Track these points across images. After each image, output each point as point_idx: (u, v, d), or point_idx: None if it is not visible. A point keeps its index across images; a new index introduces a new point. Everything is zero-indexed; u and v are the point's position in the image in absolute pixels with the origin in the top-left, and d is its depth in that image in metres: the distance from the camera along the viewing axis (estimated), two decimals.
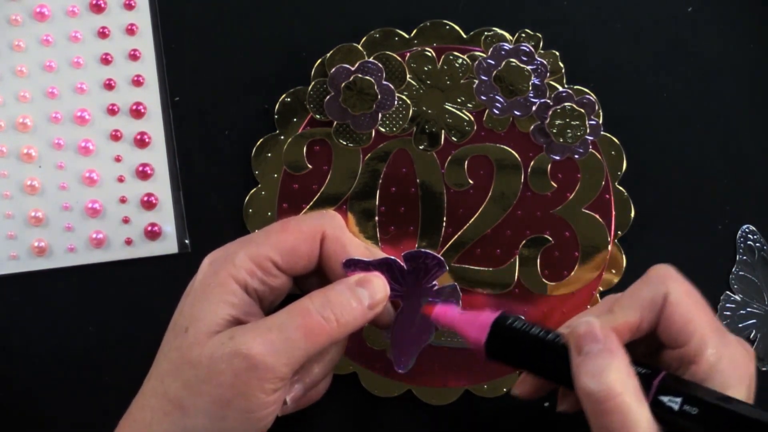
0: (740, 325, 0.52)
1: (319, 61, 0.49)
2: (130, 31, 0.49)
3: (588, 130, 0.50)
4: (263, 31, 0.50)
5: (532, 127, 0.50)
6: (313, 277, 0.44)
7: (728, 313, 0.52)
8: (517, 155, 0.50)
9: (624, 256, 0.51)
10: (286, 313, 0.40)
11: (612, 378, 0.37)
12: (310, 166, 0.50)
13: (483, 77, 0.50)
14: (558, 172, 0.51)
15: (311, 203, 0.50)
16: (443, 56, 0.50)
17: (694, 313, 0.41)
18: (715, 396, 0.38)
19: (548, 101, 0.50)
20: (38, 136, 0.49)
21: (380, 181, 0.50)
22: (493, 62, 0.50)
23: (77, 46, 0.49)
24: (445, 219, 0.51)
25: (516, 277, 0.51)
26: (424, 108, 0.50)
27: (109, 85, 0.49)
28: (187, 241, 0.50)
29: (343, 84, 0.49)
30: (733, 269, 0.52)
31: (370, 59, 0.49)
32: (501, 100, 0.50)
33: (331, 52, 0.49)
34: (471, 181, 0.50)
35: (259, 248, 0.41)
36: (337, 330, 0.40)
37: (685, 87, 0.52)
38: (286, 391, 0.40)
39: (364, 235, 0.50)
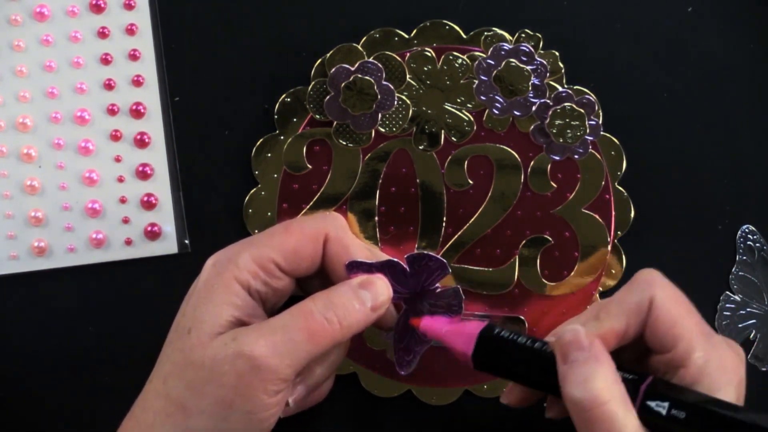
0: (740, 326, 0.52)
1: (319, 61, 0.49)
2: (130, 31, 0.49)
3: (588, 130, 0.50)
4: (263, 31, 0.50)
5: (532, 127, 0.50)
6: (316, 278, 0.44)
7: (728, 313, 0.52)
8: (517, 155, 0.50)
9: (624, 256, 0.51)
10: (289, 314, 0.40)
11: (598, 386, 0.37)
12: (310, 166, 0.50)
13: (483, 77, 0.50)
14: (558, 172, 0.51)
15: (311, 203, 0.50)
16: (443, 56, 0.50)
17: (680, 317, 0.40)
18: (703, 399, 0.38)
19: (548, 101, 0.50)
20: (38, 136, 0.49)
21: (380, 181, 0.50)
22: (493, 62, 0.50)
23: (77, 46, 0.49)
24: (445, 219, 0.51)
25: (516, 277, 0.51)
26: (424, 108, 0.50)
27: (109, 85, 0.49)
28: (187, 242, 0.50)
29: (343, 84, 0.49)
30: (733, 269, 0.52)
31: (370, 59, 0.49)
32: (501, 100, 0.50)
33: (331, 52, 0.49)
34: (471, 181, 0.50)
35: (262, 250, 0.41)
36: (339, 332, 0.40)
37: (685, 87, 0.52)
38: (289, 392, 0.40)
39: (364, 235, 0.50)
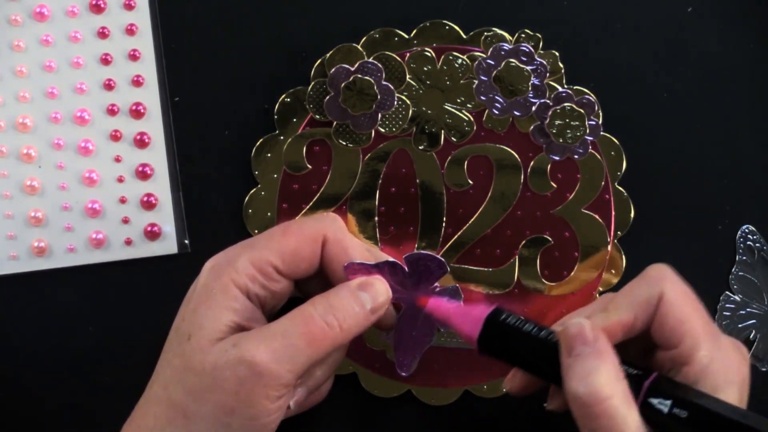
0: (740, 326, 0.52)
1: (318, 61, 0.49)
2: (130, 31, 0.49)
3: (588, 131, 0.50)
4: (263, 31, 0.50)
5: (532, 127, 0.50)
6: (314, 280, 0.44)
7: (728, 313, 0.52)
8: (516, 155, 0.50)
9: (624, 257, 0.51)
10: (289, 319, 0.40)
11: (600, 381, 0.37)
12: (309, 166, 0.50)
13: (483, 77, 0.50)
14: (558, 173, 0.51)
15: (311, 203, 0.50)
16: (443, 56, 0.50)
17: (688, 315, 0.41)
18: (705, 399, 0.38)
19: (548, 101, 0.50)
20: (38, 136, 0.49)
21: (380, 181, 0.50)
22: (492, 62, 0.50)
23: (77, 47, 0.49)
24: (444, 219, 0.51)
25: (516, 277, 0.51)
26: (424, 108, 0.50)
27: (108, 86, 0.49)
28: (186, 242, 0.50)
29: (343, 84, 0.49)
30: (733, 269, 0.52)
31: (370, 59, 0.49)
32: (501, 100, 0.50)
33: (330, 52, 0.49)
34: (471, 182, 0.50)
35: (260, 253, 0.41)
36: (340, 335, 0.40)
37: (685, 87, 0.52)
38: (290, 396, 0.40)
39: (363, 235, 0.50)
